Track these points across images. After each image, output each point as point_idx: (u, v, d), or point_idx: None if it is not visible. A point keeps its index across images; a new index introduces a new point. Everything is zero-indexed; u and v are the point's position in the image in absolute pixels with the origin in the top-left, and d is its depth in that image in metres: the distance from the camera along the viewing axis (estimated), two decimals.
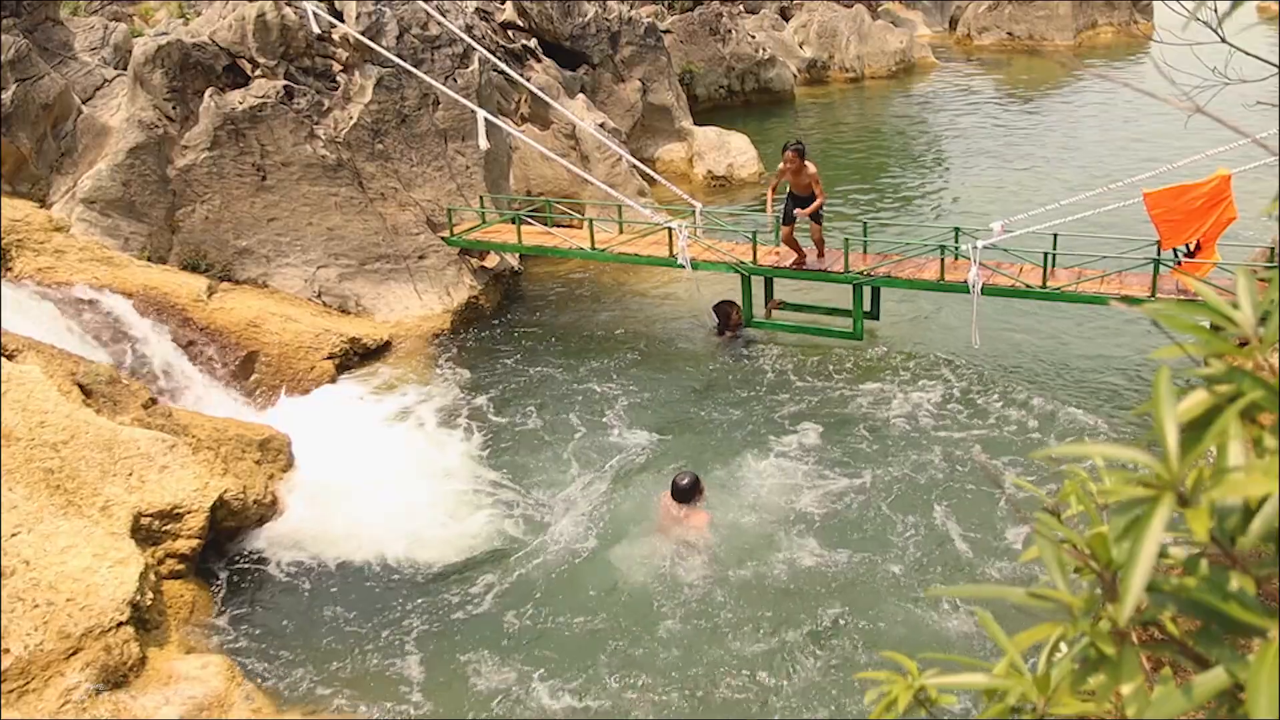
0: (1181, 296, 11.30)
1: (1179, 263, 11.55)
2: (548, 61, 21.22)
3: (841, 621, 8.43)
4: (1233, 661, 1.06)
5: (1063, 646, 1.33)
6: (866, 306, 13.42)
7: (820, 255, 13.61)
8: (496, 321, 15.23)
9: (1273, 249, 11.69)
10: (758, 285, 14.15)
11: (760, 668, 7.94)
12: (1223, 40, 2.88)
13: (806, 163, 12.95)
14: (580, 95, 21.04)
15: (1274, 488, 1.03)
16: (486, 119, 14.64)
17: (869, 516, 9.88)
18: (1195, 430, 1.14)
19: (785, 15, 37.92)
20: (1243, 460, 1.06)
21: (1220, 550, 1.11)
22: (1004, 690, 1.41)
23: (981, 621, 1.51)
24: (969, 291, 12.16)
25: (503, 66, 17.03)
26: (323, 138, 14.64)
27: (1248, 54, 3.15)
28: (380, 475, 10.82)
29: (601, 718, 7.54)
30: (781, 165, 13.03)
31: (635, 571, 9.16)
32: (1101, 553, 1.21)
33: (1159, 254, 11.59)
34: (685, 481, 9.75)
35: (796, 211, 13.12)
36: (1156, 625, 1.23)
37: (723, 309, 14.26)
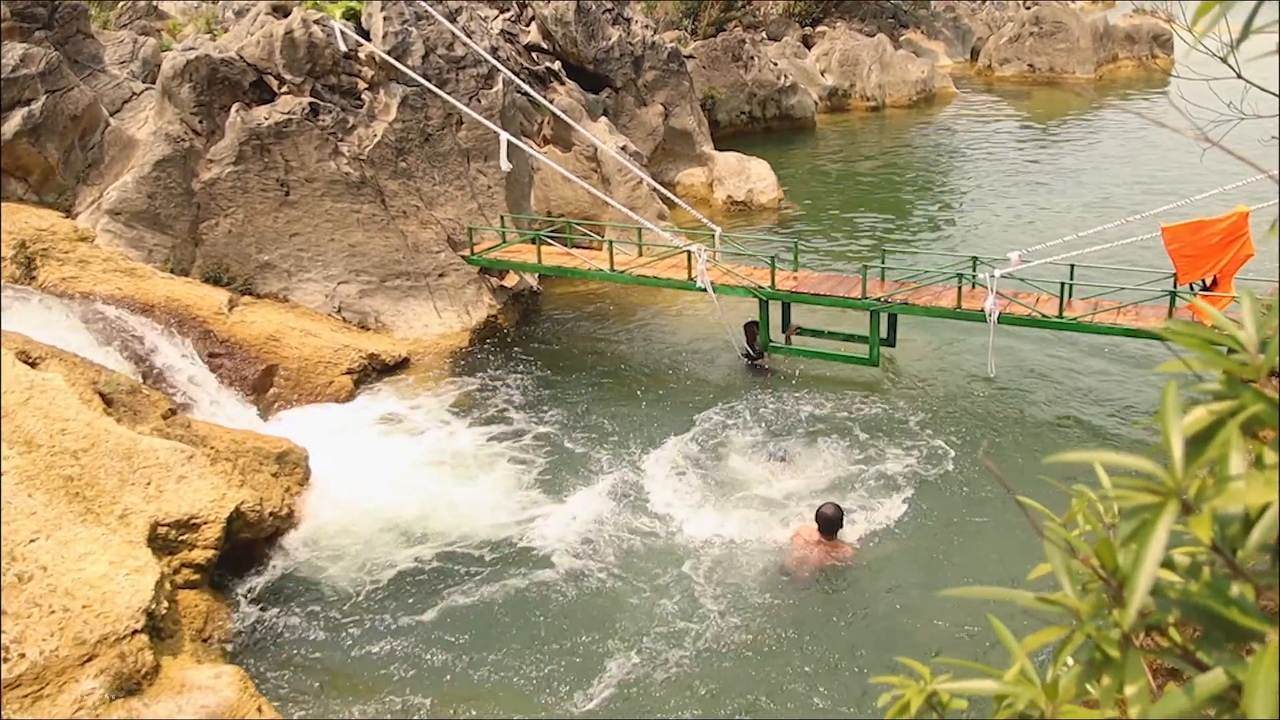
0: None
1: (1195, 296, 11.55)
2: (571, 84, 21.41)
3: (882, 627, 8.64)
4: (1232, 664, 1.10)
5: (1070, 660, 1.37)
6: (883, 333, 13.41)
7: None
8: (515, 340, 15.31)
9: None
10: (775, 310, 14.18)
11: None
12: (1238, 76, 2.92)
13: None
14: (603, 118, 21.20)
15: (1273, 497, 1.07)
16: (509, 140, 14.77)
17: (901, 534, 9.99)
18: (1201, 443, 1.18)
19: (807, 43, 38.15)
20: (1243, 470, 1.10)
21: (1222, 558, 1.16)
22: (1013, 697, 1.45)
23: (992, 626, 1.55)
24: (985, 320, 12.19)
25: (526, 88, 17.18)
26: (346, 155, 14.80)
27: (1263, 90, 3.19)
28: (399, 490, 10.88)
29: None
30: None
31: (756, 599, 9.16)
32: (1108, 560, 1.25)
33: (1175, 287, 11.60)
34: (832, 512, 9.70)
35: None
36: (1161, 632, 1.27)
37: (752, 330, 14.16)
